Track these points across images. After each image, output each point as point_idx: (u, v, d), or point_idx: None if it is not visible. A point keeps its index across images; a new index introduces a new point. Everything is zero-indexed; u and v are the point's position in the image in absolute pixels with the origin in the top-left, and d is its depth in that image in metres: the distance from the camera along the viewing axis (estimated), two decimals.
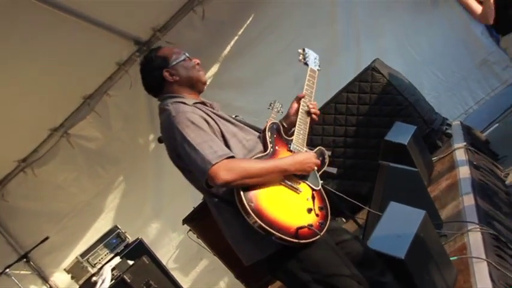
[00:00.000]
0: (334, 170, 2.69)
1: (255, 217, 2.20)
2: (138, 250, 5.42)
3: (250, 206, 2.22)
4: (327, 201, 2.51)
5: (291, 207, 2.34)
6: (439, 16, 5.71)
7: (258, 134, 2.61)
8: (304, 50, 2.99)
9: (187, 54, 2.68)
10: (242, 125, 2.60)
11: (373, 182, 3.40)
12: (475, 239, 2.76)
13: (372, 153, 4.67)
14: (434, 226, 2.58)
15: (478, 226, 2.87)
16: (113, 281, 5.03)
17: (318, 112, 2.81)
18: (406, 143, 3.83)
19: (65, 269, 5.54)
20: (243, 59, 6.21)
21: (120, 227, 5.67)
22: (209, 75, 6.13)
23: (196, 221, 5.41)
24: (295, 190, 2.40)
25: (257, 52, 6.16)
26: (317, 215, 2.39)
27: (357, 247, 2.56)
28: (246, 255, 2.45)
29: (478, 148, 4.51)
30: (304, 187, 2.44)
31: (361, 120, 4.91)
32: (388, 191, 3.16)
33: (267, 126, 2.59)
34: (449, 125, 4.99)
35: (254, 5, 6.15)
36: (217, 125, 2.46)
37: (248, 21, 6.20)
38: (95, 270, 5.33)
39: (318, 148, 2.66)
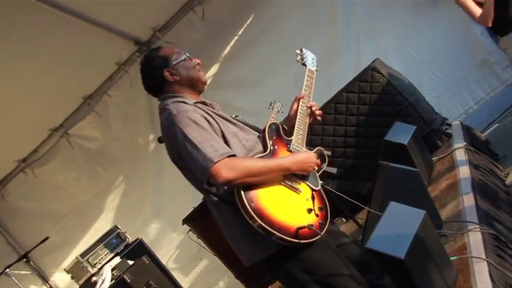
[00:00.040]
0: (334, 170, 2.70)
1: (256, 217, 2.20)
2: (138, 250, 5.42)
3: (250, 205, 2.22)
4: (326, 201, 2.52)
5: (291, 208, 2.34)
6: (439, 16, 5.71)
7: (257, 134, 2.61)
8: (301, 50, 2.99)
9: (187, 54, 2.68)
10: (242, 125, 2.60)
11: (373, 182, 3.40)
12: (475, 239, 2.76)
13: (372, 153, 4.67)
14: (434, 226, 2.58)
15: (478, 226, 2.87)
16: (113, 281, 5.03)
17: (321, 112, 2.81)
18: (406, 143, 3.83)
19: (65, 269, 5.54)
20: (243, 59, 6.21)
21: (120, 227, 5.68)
22: (209, 75, 6.13)
23: (196, 221, 5.42)
24: (295, 190, 2.41)
25: (257, 52, 6.16)
26: (317, 215, 2.39)
27: (356, 251, 2.57)
28: (245, 256, 2.45)
29: (478, 148, 4.51)
30: (304, 187, 2.45)
31: (361, 120, 4.91)
32: (388, 191, 3.16)
33: (267, 126, 2.59)
34: (449, 125, 4.98)
35: (254, 5, 6.15)
36: (218, 124, 2.46)
37: (248, 21, 6.20)
38: (95, 270, 5.33)
39: (317, 148, 2.66)
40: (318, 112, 2.78)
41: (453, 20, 5.49)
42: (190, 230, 5.61)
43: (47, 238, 5.79)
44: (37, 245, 5.79)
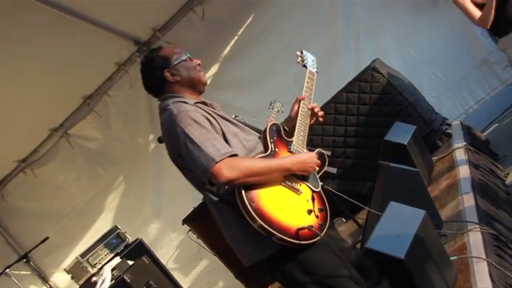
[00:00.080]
0: (334, 170, 2.70)
1: (256, 217, 2.21)
2: (138, 250, 5.42)
3: (251, 205, 2.22)
4: (326, 203, 2.52)
5: (291, 208, 2.35)
6: (439, 16, 5.71)
7: (258, 134, 2.61)
8: (302, 52, 3.00)
9: (188, 55, 2.68)
10: (242, 125, 2.60)
11: (373, 182, 3.40)
12: (475, 239, 2.76)
13: (372, 153, 4.67)
14: (434, 226, 2.57)
15: (478, 226, 2.87)
16: (113, 281, 5.04)
17: (323, 113, 2.82)
18: (406, 143, 3.82)
19: (65, 269, 5.55)
20: (243, 59, 6.21)
21: (120, 227, 5.68)
22: (209, 75, 6.13)
23: (196, 221, 5.42)
24: (296, 191, 2.41)
25: (257, 52, 6.16)
26: (317, 217, 2.40)
27: (354, 256, 2.57)
28: (245, 256, 2.46)
29: (478, 148, 4.51)
30: (304, 188, 2.45)
31: (361, 120, 4.90)
32: (388, 191, 3.16)
33: (268, 127, 2.59)
34: (449, 125, 4.98)
35: (254, 5, 6.15)
36: (219, 124, 2.46)
37: (248, 21, 6.20)
38: (95, 270, 5.33)
39: (317, 150, 2.66)
40: (320, 113, 2.79)
41: (453, 20, 5.49)
42: (190, 230, 5.61)
43: (46, 238, 5.78)
44: (37, 245, 5.79)
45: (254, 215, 2.20)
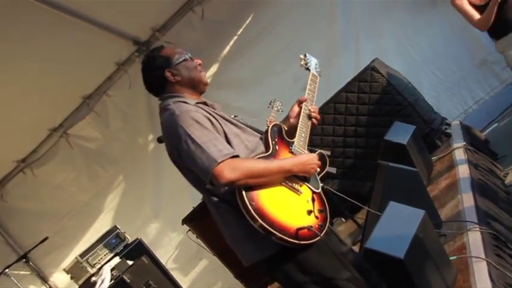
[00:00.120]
0: (333, 170, 2.70)
1: (256, 216, 2.20)
2: (138, 250, 5.42)
3: (251, 205, 2.22)
4: (326, 204, 2.52)
5: (291, 208, 2.34)
6: (438, 16, 5.71)
7: (259, 135, 2.61)
8: (305, 55, 3.00)
9: (189, 55, 2.67)
10: (243, 126, 2.60)
11: (372, 181, 3.40)
12: (474, 239, 2.76)
13: (372, 153, 4.67)
14: (434, 226, 2.58)
15: (477, 226, 2.87)
16: (113, 281, 5.03)
17: (319, 117, 2.81)
18: (405, 143, 3.83)
19: (64, 269, 5.54)
20: (242, 59, 6.21)
21: (119, 227, 5.68)
22: (208, 75, 6.11)
23: (196, 221, 5.42)
24: (296, 191, 2.41)
25: (256, 52, 6.16)
26: (317, 217, 2.40)
27: (352, 258, 2.57)
28: (245, 256, 2.45)
29: (478, 147, 4.51)
30: (304, 189, 2.45)
31: (361, 120, 4.91)
32: (388, 190, 3.16)
33: (269, 127, 2.59)
34: (449, 125, 4.99)
35: (253, 5, 6.15)
36: (220, 125, 2.46)
37: (247, 21, 6.20)
38: (94, 270, 5.33)
39: (318, 151, 2.66)
40: (313, 115, 2.77)
41: (453, 19, 5.48)
42: (189, 230, 5.61)
43: (46, 238, 5.78)
44: (36, 245, 5.79)
45: (254, 214, 2.20)
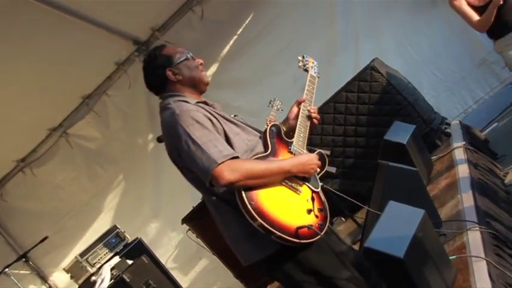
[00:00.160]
0: (333, 169, 2.70)
1: (256, 216, 2.20)
2: (137, 250, 5.42)
3: (251, 204, 2.22)
4: (326, 203, 2.52)
5: (291, 208, 2.35)
6: (438, 16, 5.71)
7: (258, 134, 2.61)
8: (303, 57, 3.02)
9: (190, 54, 2.67)
10: (244, 125, 2.60)
11: (372, 181, 3.40)
12: (474, 238, 2.77)
13: (371, 152, 4.68)
14: (434, 225, 2.58)
15: (477, 225, 2.87)
16: (112, 280, 5.03)
17: (318, 117, 2.82)
18: (405, 142, 3.83)
19: (64, 269, 5.54)
20: (242, 58, 6.21)
21: (119, 227, 5.68)
22: (208, 75, 5.97)
23: (196, 220, 5.42)
24: (296, 191, 2.41)
25: (256, 52, 6.16)
26: (316, 216, 2.40)
27: (352, 257, 2.57)
28: (245, 256, 2.45)
29: (477, 147, 4.52)
30: (304, 188, 2.45)
31: (360, 120, 4.91)
32: (388, 190, 3.16)
33: (268, 128, 2.59)
34: (449, 124, 4.99)
35: (253, 5, 6.15)
36: (221, 124, 2.46)
37: (247, 21, 6.20)
38: (94, 269, 5.33)
39: (317, 151, 2.66)
40: (314, 115, 2.78)
41: (452, 19, 5.47)
42: (189, 230, 5.61)
43: (46, 238, 5.79)
44: (36, 245, 5.79)
45: (254, 213, 2.20)
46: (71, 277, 5.43)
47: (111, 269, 5.16)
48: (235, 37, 6.25)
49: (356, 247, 3.53)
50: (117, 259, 5.33)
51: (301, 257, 2.34)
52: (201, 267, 6.61)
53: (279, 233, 2.21)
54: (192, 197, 5.39)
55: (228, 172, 2.23)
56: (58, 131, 6.41)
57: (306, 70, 2.97)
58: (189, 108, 2.41)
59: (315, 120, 2.78)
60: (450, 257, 2.65)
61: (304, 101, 2.78)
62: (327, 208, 2.50)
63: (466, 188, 3.48)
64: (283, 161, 2.45)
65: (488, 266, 2.44)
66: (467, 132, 4.89)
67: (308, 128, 2.73)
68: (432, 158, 4.54)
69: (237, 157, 2.31)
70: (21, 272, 6.40)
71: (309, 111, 2.76)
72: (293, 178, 2.42)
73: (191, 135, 2.32)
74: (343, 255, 2.51)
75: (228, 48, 6.28)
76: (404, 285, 2.28)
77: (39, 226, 6.59)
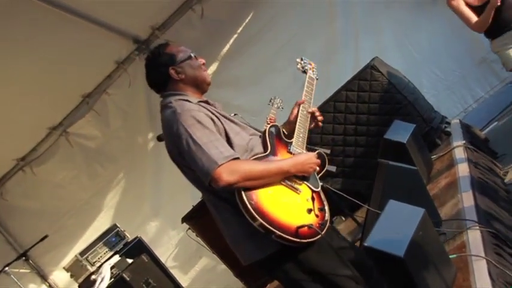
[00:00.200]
0: (333, 168, 2.70)
1: (256, 215, 2.20)
2: (137, 248, 5.42)
3: (251, 204, 2.22)
4: (326, 202, 2.52)
5: (291, 207, 2.34)
6: (438, 14, 5.70)
7: (258, 134, 2.61)
8: (302, 59, 3.02)
9: (194, 53, 2.67)
10: (244, 124, 2.60)
11: (372, 180, 3.40)
12: (474, 237, 2.76)
13: (371, 151, 4.68)
14: (434, 224, 2.58)
15: (477, 224, 2.87)
16: (112, 279, 5.03)
17: (322, 118, 2.82)
18: (405, 142, 3.83)
19: (64, 268, 5.54)
20: (242, 57, 6.22)
21: (119, 226, 5.68)
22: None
23: (196, 219, 5.42)
24: (296, 190, 2.40)
25: (256, 50, 6.16)
26: (317, 216, 2.39)
27: (353, 255, 2.57)
28: (245, 255, 2.45)
29: (477, 146, 4.51)
30: (304, 188, 2.45)
31: (360, 119, 4.91)
32: (388, 189, 3.16)
33: (267, 128, 2.59)
34: (449, 123, 4.99)
35: (253, 4, 6.15)
36: (222, 124, 2.45)
37: (247, 20, 6.20)
38: (94, 268, 5.32)
39: (317, 150, 2.66)
40: (320, 118, 2.78)
41: (452, 18, 5.46)
42: (189, 229, 5.61)
43: (46, 236, 5.79)
44: (36, 244, 5.80)
45: (254, 213, 2.20)
46: (71, 276, 5.43)
47: (111, 268, 5.16)
48: (235, 36, 6.25)
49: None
50: (117, 258, 5.32)
51: (301, 256, 2.33)
52: (201, 266, 6.61)
53: (279, 233, 2.21)
54: (192, 196, 5.39)
55: (227, 174, 2.23)
56: (58, 129, 6.42)
57: (305, 72, 2.97)
58: (190, 108, 2.41)
59: (319, 123, 2.78)
60: (450, 256, 2.64)
61: (303, 103, 2.79)
62: (327, 207, 2.50)
63: (466, 187, 3.48)
64: (282, 161, 2.44)
65: (488, 265, 2.44)
66: (468, 131, 4.89)
67: (307, 129, 2.73)
68: (432, 157, 4.54)
69: (237, 158, 2.31)
70: (21, 270, 6.40)
71: (309, 113, 2.76)
72: (292, 178, 2.42)
73: (192, 135, 2.31)
74: (344, 253, 2.51)
75: (228, 47, 6.28)
76: (404, 284, 2.28)
77: (39, 225, 6.59)
